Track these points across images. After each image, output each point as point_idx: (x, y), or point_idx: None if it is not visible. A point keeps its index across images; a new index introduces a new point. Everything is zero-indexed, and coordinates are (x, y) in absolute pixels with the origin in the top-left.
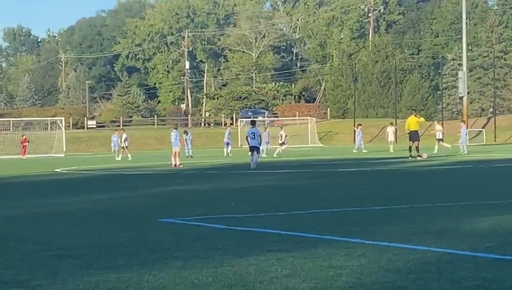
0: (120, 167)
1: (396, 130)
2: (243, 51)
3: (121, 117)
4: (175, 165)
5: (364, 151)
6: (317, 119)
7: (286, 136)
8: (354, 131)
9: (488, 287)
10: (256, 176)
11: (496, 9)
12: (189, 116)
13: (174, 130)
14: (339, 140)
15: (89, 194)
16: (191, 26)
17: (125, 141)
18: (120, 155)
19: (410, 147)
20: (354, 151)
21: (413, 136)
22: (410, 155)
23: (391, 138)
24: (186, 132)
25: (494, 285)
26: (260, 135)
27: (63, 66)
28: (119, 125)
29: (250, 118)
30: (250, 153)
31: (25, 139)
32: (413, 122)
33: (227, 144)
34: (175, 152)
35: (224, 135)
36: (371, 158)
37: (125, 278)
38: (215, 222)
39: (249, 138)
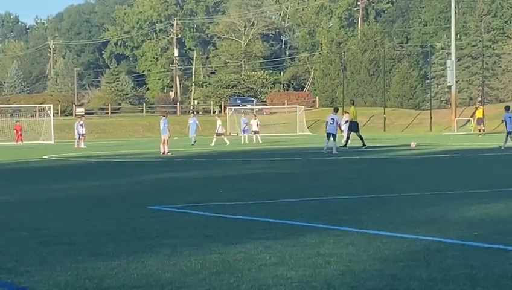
0: (109, 155)
1: (385, 118)
2: (232, 39)
3: (110, 104)
4: (163, 153)
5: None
6: (306, 107)
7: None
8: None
9: (475, 275)
10: (245, 164)
11: None
12: (177, 104)
13: (163, 118)
14: None
15: (78, 181)
16: (180, 14)
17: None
18: (82, 143)
19: (361, 137)
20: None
21: (354, 126)
22: (364, 145)
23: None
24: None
25: (482, 273)
26: (338, 123)
27: (52, 53)
28: (107, 113)
29: (239, 106)
30: (326, 137)
31: (19, 126)
32: (355, 112)
33: (244, 131)
34: (164, 140)
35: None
36: (359, 147)
37: (113, 265)
38: (204, 210)
39: (328, 123)
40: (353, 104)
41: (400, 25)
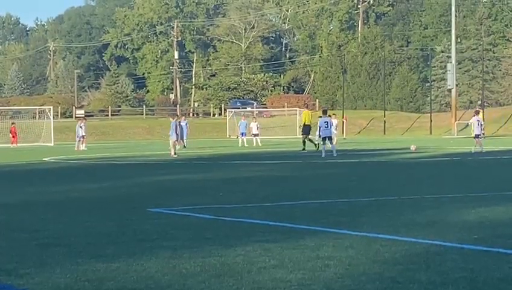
0: (109, 157)
1: (385, 121)
2: (232, 42)
3: (110, 107)
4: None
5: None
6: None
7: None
8: (343, 122)
9: (475, 279)
10: (244, 167)
11: (485, 1)
12: (177, 106)
13: (172, 121)
14: None
15: (78, 183)
16: (180, 16)
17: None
18: (82, 145)
19: (310, 140)
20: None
21: (306, 129)
22: (304, 149)
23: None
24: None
25: (481, 276)
26: (331, 124)
27: (52, 55)
28: (107, 115)
29: (239, 108)
30: (322, 142)
31: (13, 128)
32: (307, 116)
33: (242, 134)
34: (173, 141)
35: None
36: (358, 150)
37: (113, 267)
38: (204, 212)
39: (321, 128)
40: (307, 107)
41: (400, 28)
